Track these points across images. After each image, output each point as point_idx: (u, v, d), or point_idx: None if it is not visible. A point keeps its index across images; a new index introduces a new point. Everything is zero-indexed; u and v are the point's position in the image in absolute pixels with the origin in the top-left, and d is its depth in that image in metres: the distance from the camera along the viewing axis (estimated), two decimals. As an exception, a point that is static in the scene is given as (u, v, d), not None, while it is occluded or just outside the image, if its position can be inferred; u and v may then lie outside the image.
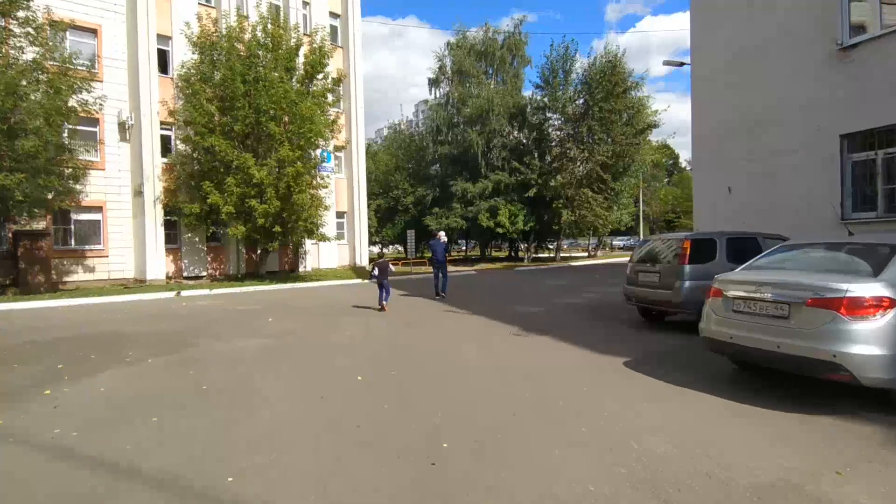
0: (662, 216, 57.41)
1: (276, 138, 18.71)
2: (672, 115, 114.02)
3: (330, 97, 21.44)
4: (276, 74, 18.81)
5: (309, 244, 23.48)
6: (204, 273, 21.26)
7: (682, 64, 14.18)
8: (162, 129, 20.31)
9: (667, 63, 14.46)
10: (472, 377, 5.97)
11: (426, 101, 39.84)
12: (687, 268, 7.79)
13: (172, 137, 20.68)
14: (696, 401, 4.93)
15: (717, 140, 12.91)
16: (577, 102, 30.57)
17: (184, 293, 16.49)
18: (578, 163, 29.85)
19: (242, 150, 19.09)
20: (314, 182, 20.33)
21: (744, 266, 5.68)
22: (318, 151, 20.84)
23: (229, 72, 18.45)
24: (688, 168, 72.75)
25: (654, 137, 34.32)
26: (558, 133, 32.47)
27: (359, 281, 20.87)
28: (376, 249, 46.51)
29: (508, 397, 5.15)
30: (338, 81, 20.76)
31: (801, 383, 5.25)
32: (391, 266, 12.17)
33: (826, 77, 10.53)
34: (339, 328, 9.62)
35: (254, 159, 18.56)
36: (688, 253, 7.82)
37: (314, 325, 10.03)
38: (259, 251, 21.21)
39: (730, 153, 12.56)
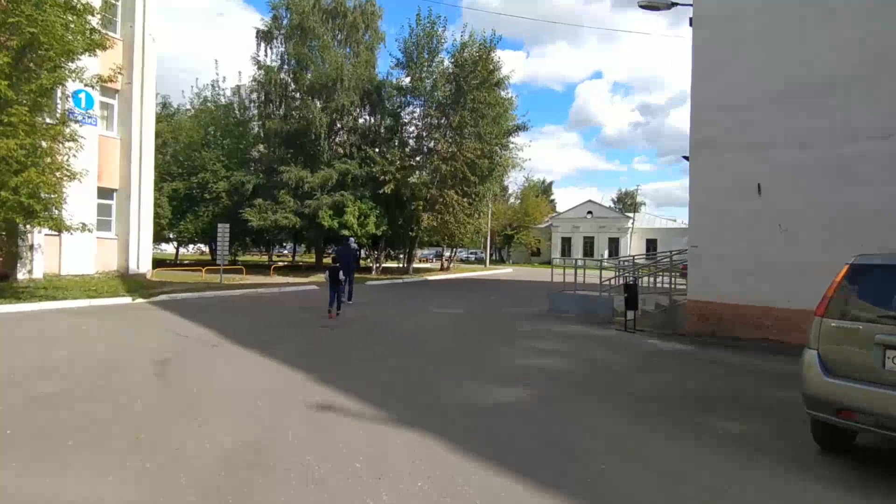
0: (500, 231, 56.11)
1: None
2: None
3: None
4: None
5: (39, 235, 14.18)
6: None
7: (672, 5, 9.74)
8: None
9: (645, 7, 9.87)
10: None
11: (241, 84, 29.96)
12: None
13: None
14: None
15: (737, 113, 8.62)
16: (446, 87, 25.60)
17: None
18: (445, 158, 24.80)
19: None
20: (53, 129, 11.56)
21: None
22: (66, 83, 12.02)
23: None
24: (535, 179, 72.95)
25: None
26: (420, 123, 27.29)
27: (128, 300, 12.59)
28: (170, 248, 35.94)
29: None
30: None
31: None
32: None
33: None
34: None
35: None
36: None
37: None
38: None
39: (761, 133, 8.33)
